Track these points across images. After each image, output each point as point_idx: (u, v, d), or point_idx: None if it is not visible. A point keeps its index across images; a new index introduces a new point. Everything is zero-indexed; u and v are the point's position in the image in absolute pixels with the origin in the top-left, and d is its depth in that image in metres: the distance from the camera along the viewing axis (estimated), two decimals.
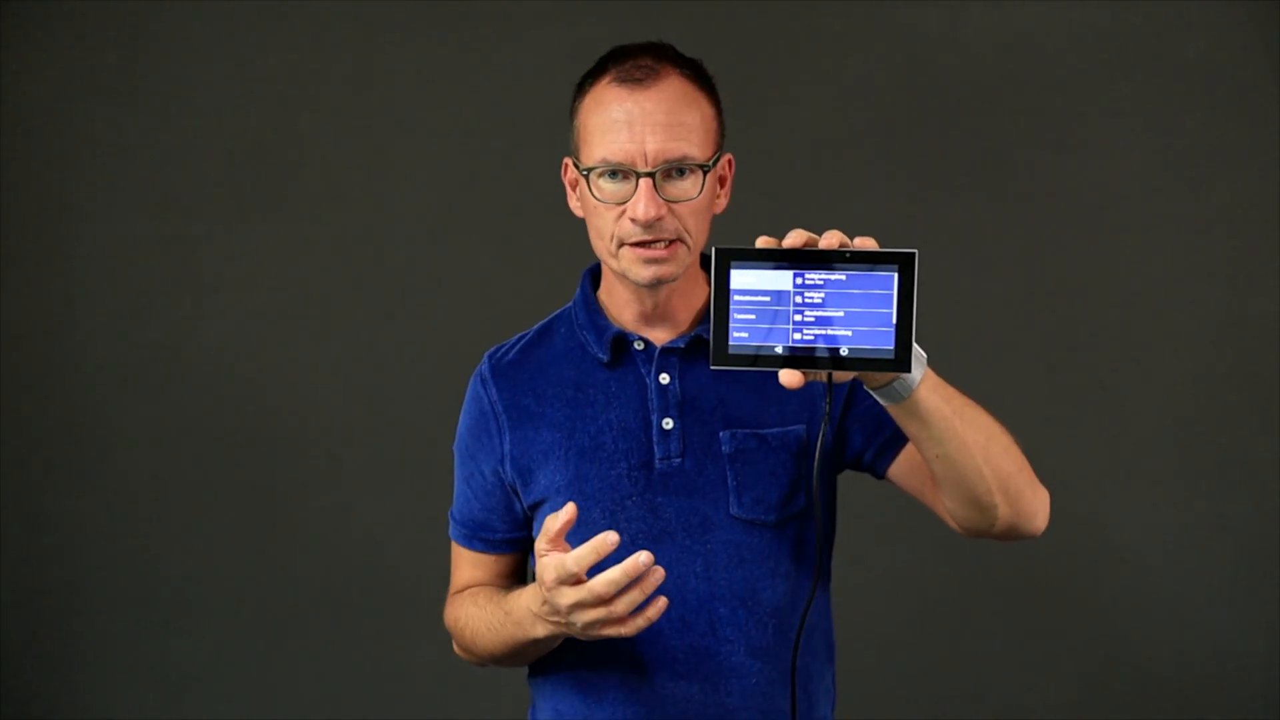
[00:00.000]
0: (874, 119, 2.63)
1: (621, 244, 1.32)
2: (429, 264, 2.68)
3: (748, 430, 1.37)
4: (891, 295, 1.14)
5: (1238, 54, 2.55)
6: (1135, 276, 2.60)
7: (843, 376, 1.19)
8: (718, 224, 1.42)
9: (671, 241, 1.31)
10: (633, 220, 1.29)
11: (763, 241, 1.16)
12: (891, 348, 1.14)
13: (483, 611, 1.42)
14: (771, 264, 1.15)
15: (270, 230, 2.69)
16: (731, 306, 1.15)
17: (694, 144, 1.31)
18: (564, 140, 1.38)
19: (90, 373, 2.71)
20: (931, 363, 1.21)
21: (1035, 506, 1.34)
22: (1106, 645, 2.65)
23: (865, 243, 1.15)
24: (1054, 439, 2.57)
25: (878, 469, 1.41)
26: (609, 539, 1.17)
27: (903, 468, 1.39)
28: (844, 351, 1.15)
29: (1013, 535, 1.34)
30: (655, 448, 1.37)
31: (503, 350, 1.47)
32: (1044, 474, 1.35)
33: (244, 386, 2.70)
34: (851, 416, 1.40)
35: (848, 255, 1.14)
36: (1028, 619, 2.66)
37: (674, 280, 1.34)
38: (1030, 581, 2.61)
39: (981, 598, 2.65)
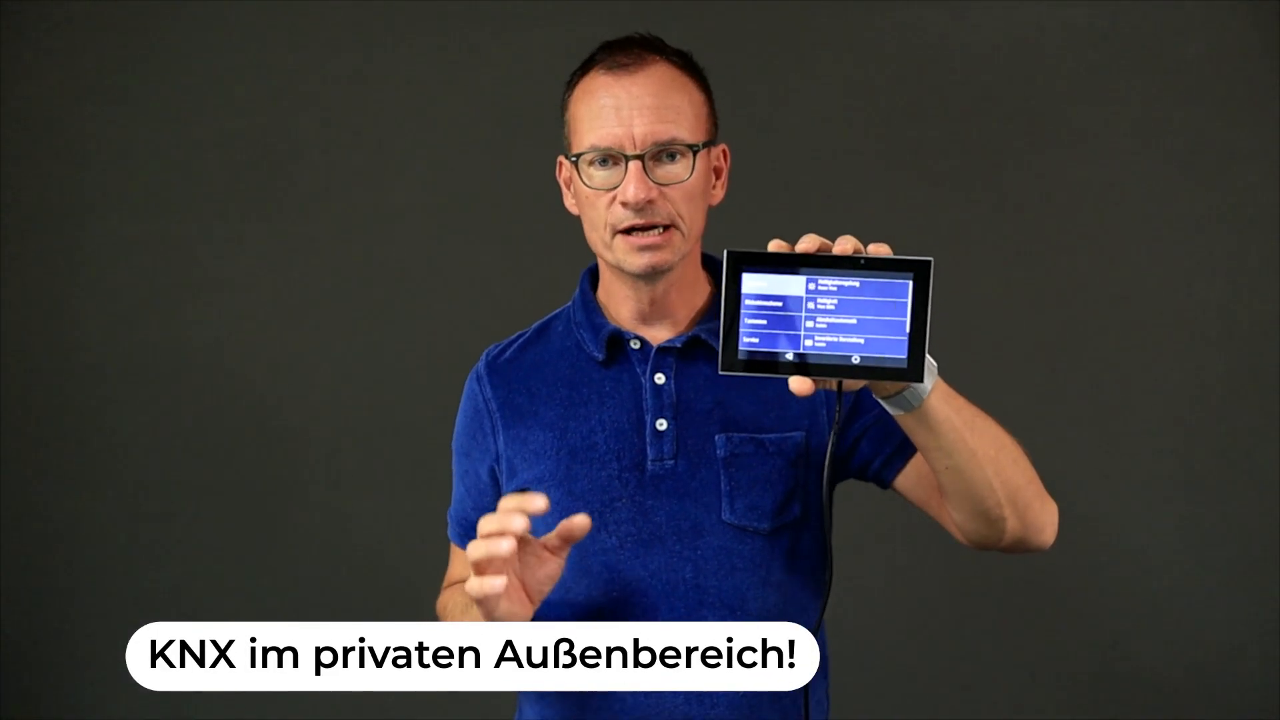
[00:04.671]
0: (874, 119, 2.63)
1: (615, 232, 1.30)
2: (428, 263, 2.68)
3: (745, 434, 1.34)
4: (906, 304, 1.11)
5: (1238, 54, 2.55)
6: (1135, 276, 2.60)
7: (853, 385, 1.16)
8: (722, 224, 1.41)
9: (666, 228, 1.29)
10: (623, 204, 1.28)
11: (775, 245, 1.13)
12: (904, 357, 1.12)
13: (459, 597, 1.43)
14: (784, 269, 1.12)
15: (269, 230, 2.68)
16: (742, 311, 1.13)
17: (683, 127, 1.29)
18: (563, 139, 1.38)
19: (90, 372, 2.70)
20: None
21: (1044, 520, 1.32)
22: (1106, 645, 2.64)
23: (880, 249, 1.12)
24: (1053, 439, 2.56)
25: (884, 479, 1.39)
26: (576, 521, 1.18)
27: (909, 478, 1.36)
28: (855, 359, 1.13)
29: (1020, 548, 1.33)
30: (648, 449, 1.34)
31: (500, 348, 1.46)
32: (1043, 474, 1.33)
33: (243, 386, 2.70)
34: (858, 425, 1.36)
35: (862, 262, 1.11)
36: (1027, 619, 2.65)
37: (669, 269, 1.32)
38: (1029, 582, 2.60)
39: (980, 598, 2.64)
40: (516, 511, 1.14)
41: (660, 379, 1.35)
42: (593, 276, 1.44)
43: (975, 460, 1.23)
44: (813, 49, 2.62)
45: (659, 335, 1.38)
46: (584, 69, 1.34)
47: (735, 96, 2.56)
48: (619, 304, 1.38)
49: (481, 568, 1.15)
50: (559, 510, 1.35)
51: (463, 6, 2.64)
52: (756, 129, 2.59)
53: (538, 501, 1.16)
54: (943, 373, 1.22)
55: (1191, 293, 2.59)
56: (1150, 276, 2.60)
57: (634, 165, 1.27)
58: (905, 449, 1.35)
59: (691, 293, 1.38)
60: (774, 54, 2.62)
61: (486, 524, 1.15)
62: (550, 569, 1.21)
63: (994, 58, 2.59)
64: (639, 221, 1.28)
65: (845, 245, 1.12)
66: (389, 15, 2.64)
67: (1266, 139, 2.54)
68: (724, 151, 1.37)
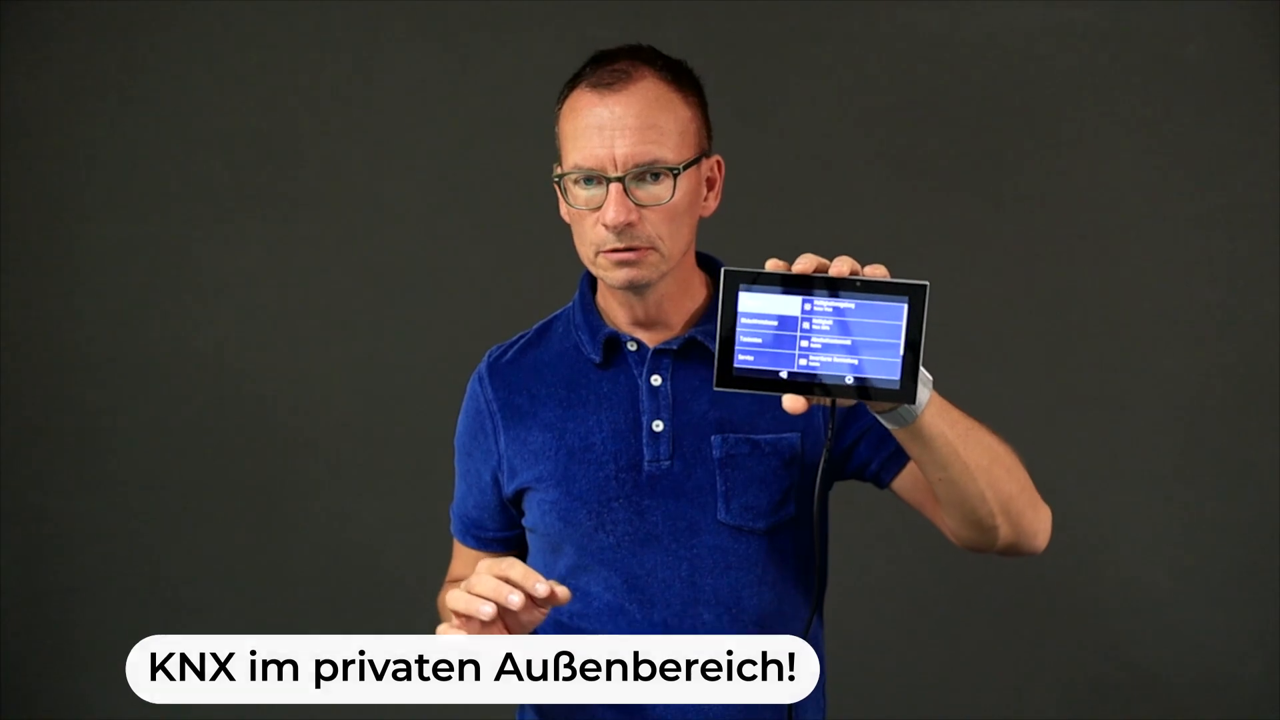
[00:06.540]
0: (873, 119, 2.62)
1: (599, 251, 1.31)
2: (428, 264, 2.68)
3: (740, 435, 1.35)
4: (900, 326, 1.12)
5: (1238, 54, 2.54)
6: (1135, 277, 2.60)
7: (846, 402, 1.17)
8: (720, 228, 1.41)
9: (643, 248, 1.30)
10: (604, 226, 1.28)
11: (772, 265, 1.14)
12: (897, 378, 1.13)
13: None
14: (781, 288, 1.13)
15: (270, 230, 2.69)
16: (738, 329, 1.14)
17: (667, 147, 1.29)
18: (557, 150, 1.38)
19: (90, 372, 2.71)
20: (930, 364, 1.19)
21: (1036, 526, 1.33)
22: (1106, 645, 2.65)
23: (876, 271, 1.13)
24: (1053, 440, 2.57)
25: (881, 481, 1.40)
26: (560, 595, 1.18)
27: (906, 482, 1.38)
28: (849, 380, 1.14)
29: (1012, 553, 1.35)
30: (644, 450, 1.36)
31: (502, 349, 1.48)
32: (1043, 475, 1.34)
33: (244, 386, 2.70)
34: (856, 429, 1.38)
35: (859, 284, 1.12)
36: (1027, 619, 2.65)
37: (648, 285, 1.33)
38: (1029, 582, 2.60)
39: (979, 598, 2.65)
40: (518, 591, 1.16)
41: (656, 380, 1.37)
42: (592, 279, 1.45)
43: (968, 472, 1.24)
44: (812, 48, 2.62)
45: (656, 338, 1.39)
46: (573, 83, 1.34)
47: (734, 96, 2.57)
48: (616, 310, 1.40)
49: (460, 616, 1.19)
50: (558, 510, 1.38)
51: (463, 7, 2.64)
52: (754, 129, 2.59)
53: (559, 592, 1.18)
54: (942, 373, 1.23)
55: (1191, 293, 2.59)
56: (1150, 276, 2.60)
57: (614, 188, 1.27)
58: (902, 454, 1.37)
59: (686, 299, 1.39)
60: (773, 53, 2.62)
61: (482, 585, 1.17)
62: (535, 616, 1.22)
63: (994, 58, 2.59)
64: (619, 245, 1.29)
65: (842, 267, 1.13)
66: (389, 15, 2.64)
67: (1266, 139, 2.54)
68: (718, 163, 1.38)
